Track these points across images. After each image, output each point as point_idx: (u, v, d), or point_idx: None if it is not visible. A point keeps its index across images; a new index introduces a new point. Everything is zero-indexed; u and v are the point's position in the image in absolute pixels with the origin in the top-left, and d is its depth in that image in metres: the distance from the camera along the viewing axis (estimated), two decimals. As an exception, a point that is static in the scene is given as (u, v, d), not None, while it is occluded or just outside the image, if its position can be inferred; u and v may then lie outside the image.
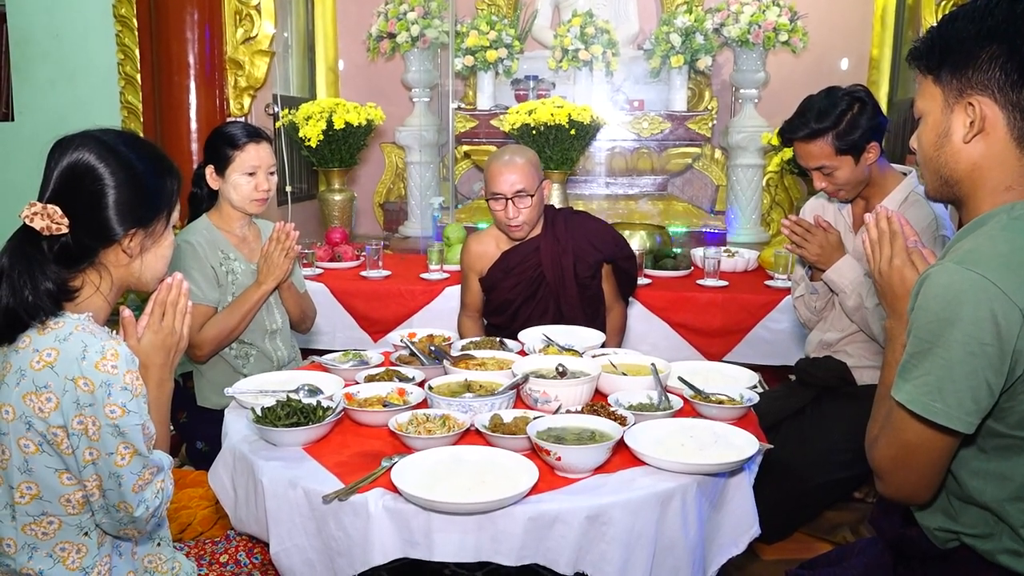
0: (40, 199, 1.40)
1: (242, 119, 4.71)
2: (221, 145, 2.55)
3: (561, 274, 2.74)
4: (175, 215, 1.55)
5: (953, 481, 1.35)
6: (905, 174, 2.49)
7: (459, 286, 3.51)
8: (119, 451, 1.36)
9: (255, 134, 2.58)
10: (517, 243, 2.78)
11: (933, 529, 1.39)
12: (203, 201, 2.67)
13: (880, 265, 1.50)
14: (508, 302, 2.80)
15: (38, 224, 1.36)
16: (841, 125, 2.31)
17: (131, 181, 1.43)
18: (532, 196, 2.65)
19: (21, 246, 1.39)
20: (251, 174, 2.54)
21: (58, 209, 1.37)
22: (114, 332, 1.46)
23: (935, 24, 1.36)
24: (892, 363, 1.41)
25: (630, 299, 3.08)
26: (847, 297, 2.46)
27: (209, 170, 2.57)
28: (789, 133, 2.42)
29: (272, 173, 2.61)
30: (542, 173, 2.74)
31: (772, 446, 1.78)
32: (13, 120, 5.29)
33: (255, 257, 2.63)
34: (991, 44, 1.25)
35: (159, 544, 1.60)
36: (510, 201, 2.64)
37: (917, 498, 1.36)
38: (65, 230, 1.38)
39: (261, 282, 2.53)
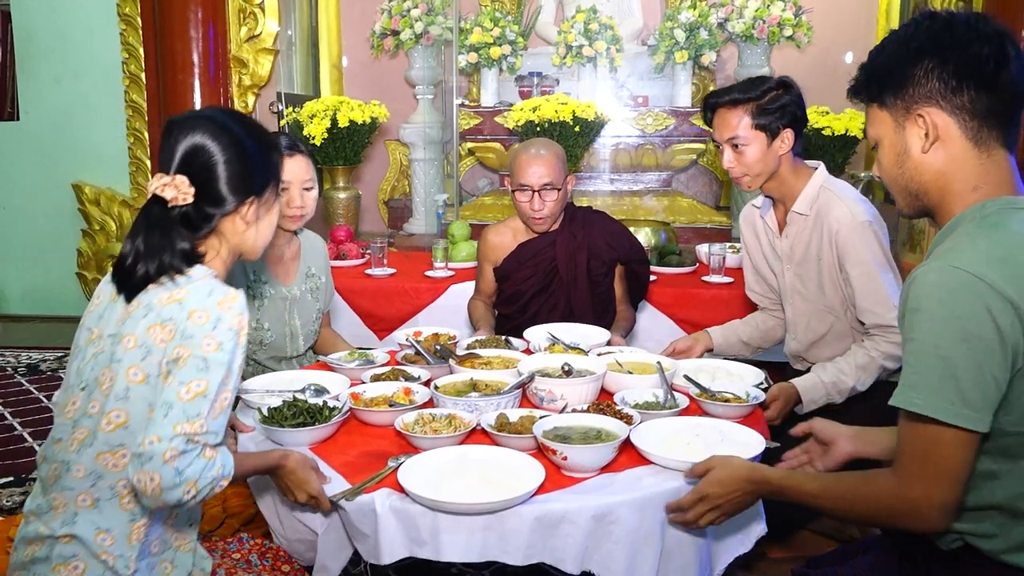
0: (164, 172, 1.49)
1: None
2: None
3: (574, 269, 2.75)
4: (280, 186, 1.66)
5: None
6: (815, 168, 2.42)
7: (464, 284, 3.53)
8: (190, 384, 1.34)
9: (290, 147, 2.42)
10: (534, 236, 2.79)
11: None
12: None
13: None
14: (520, 293, 2.81)
15: (168, 194, 1.45)
16: (763, 99, 2.28)
17: (241, 155, 1.53)
18: (558, 190, 2.67)
19: (155, 216, 1.48)
20: (283, 189, 2.39)
21: (186, 179, 1.47)
22: (239, 290, 1.50)
23: (864, 61, 1.43)
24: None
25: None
26: (841, 391, 2.24)
27: None
28: (713, 98, 2.37)
29: (309, 188, 2.44)
30: (567, 167, 2.75)
31: (778, 444, 1.78)
32: (18, 119, 5.31)
33: (289, 279, 2.54)
34: (923, 59, 1.32)
35: (192, 526, 1.59)
36: (536, 193, 2.66)
37: (951, 505, 1.29)
38: (191, 199, 1.47)
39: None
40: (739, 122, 2.28)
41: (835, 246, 2.24)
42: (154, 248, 1.45)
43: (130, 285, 1.46)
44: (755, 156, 2.29)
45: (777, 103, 2.27)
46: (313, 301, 2.60)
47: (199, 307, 1.40)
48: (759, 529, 1.73)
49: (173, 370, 1.36)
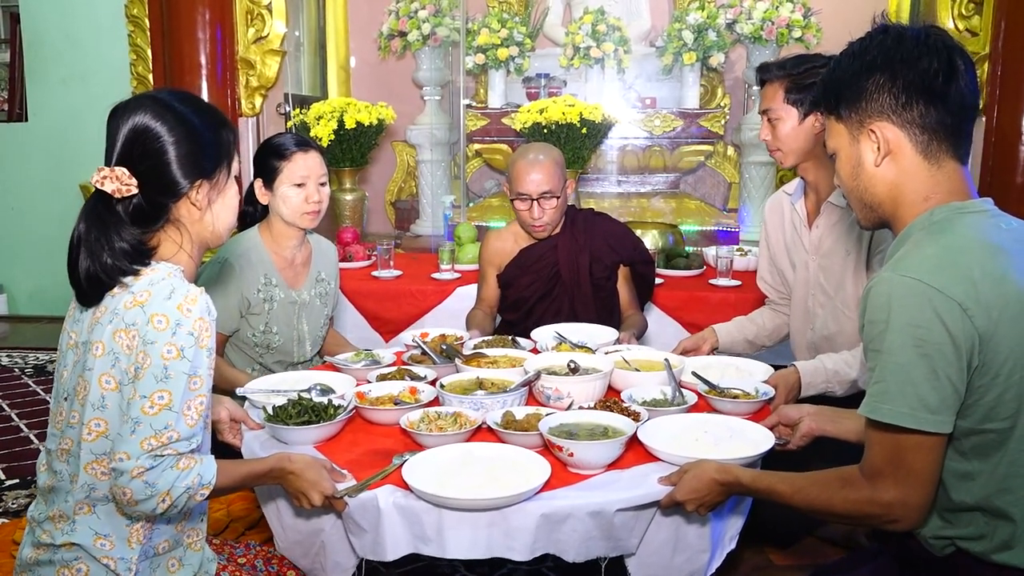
0: (107, 164, 1.43)
1: (253, 119, 4.72)
2: (268, 157, 2.44)
3: (576, 273, 2.73)
4: (235, 166, 1.57)
5: (941, 490, 1.36)
6: None
7: (471, 286, 3.50)
8: (152, 398, 1.33)
9: (303, 143, 2.46)
10: (536, 241, 2.77)
11: (928, 538, 1.41)
12: (257, 220, 2.54)
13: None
14: (523, 299, 2.79)
15: (109, 187, 1.39)
16: (801, 75, 2.26)
17: (190, 135, 1.46)
18: (557, 198, 2.64)
19: (95, 210, 1.43)
20: (300, 185, 2.40)
21: (125, 171, 1.40)
22: (202, 289, 1.46)
23: (824, 73, 1.47)
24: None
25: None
26: (842, 381, 2.22)
27: (257, 184, 2.45)
28: (760, 71, 2.38)
29: (323, 184, 2.47)
30: (566, 172, 2.72)
31: (787, 439, 1.76)
32: (27, 121, 5.32)
33: (298, 283, 2.53)
34: (874, 74, 1.36)
35: (203, 520, 1.59)
36: (535, 202, 2.63)
37: (925, 505, 1.34)
38: (135, 190, 1.41)
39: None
40: (775, 95, 2.29)
41: (868, 243, 2.22)
42: (92, 244, 1.41)
43: (76, 280, 1.42)
44: (786, 131, 2.29)
45: (811, 80, 2.25)
46: (322, 306, 2.60)
47: (159, 311, 1.36)
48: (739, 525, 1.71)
49: (136, 381, 1.34)
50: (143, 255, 1.43)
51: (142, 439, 1.33)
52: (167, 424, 1.34)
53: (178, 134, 1.44)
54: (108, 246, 1.40)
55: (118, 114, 1.44)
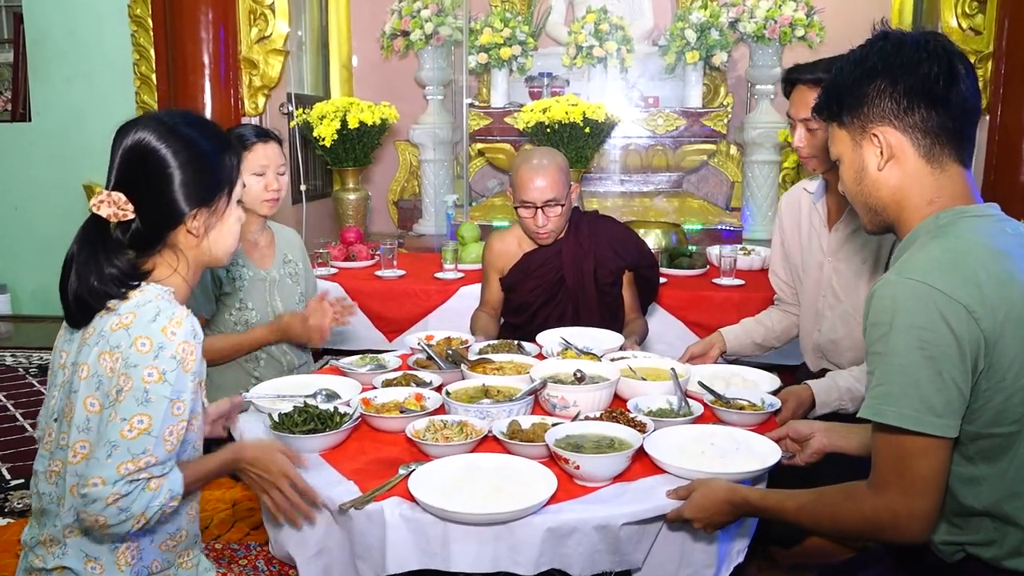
0: (107, 185, 1.42)
1: (256, 119, 4.72)
2: None
3: (581, 279, 2.72)
4: (238, 189, 1.55)
5: (949, 495, 1.35)
6: None
7: (474, 286, 3.51)
8: (132, 421, 1.31)
9: (263, 134, 2.58)
10: (539, 246, 2.76)
11: (938, 543, 1.40)
12: None
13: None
14: (527, 304, 2.78)
15: (104, 212, 1.38)
16: None
17: (193, 160, 1.44)
18: (562, 205, 2.62)
19: (88, 234, 1.42)
20: (260, 174, 2.53)
21: (122, 196, 1.39)
22: (188, 311, 1.44)
23: (826, 81, 1.48)
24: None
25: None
26: (855, 398, 2.19)
27: None
28: (796, 72, 2.29)
29: (282, 173, 2.59)
30: (571, 177, 2.71)
31: (793, 453, 1.76)
32: (30, 121, 5.32)
33: (266, 263, 2.64)
34: (875, 80, 1.37)
35: (197, 542, 1.59)
36: (540, 210, 2.61)
37: (931, 514, 1.32)
38: (131, 216, 1.40)
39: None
40: None
41: (888, 252, 2.20)
42: (81, 267, 1.39)
43: (65, 301, 1.41)
44: (826, 139, 2.23)
45: None
46: (293, 284, 2.72)
47: (143, 333, 1.34)
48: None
49: (116, 404, 1.32)
50: (134, 279, 1.42)
51: (119, 463, 1.30)
52: (145, 449, 1.32)
53: (181, 159, 1.42)
54: (96, 270, 1.38)
55: (122, 134, 1.43)
